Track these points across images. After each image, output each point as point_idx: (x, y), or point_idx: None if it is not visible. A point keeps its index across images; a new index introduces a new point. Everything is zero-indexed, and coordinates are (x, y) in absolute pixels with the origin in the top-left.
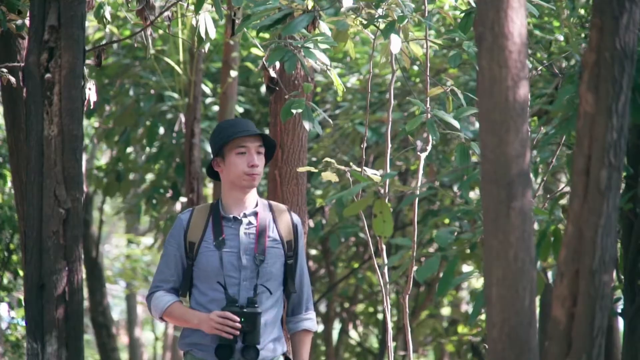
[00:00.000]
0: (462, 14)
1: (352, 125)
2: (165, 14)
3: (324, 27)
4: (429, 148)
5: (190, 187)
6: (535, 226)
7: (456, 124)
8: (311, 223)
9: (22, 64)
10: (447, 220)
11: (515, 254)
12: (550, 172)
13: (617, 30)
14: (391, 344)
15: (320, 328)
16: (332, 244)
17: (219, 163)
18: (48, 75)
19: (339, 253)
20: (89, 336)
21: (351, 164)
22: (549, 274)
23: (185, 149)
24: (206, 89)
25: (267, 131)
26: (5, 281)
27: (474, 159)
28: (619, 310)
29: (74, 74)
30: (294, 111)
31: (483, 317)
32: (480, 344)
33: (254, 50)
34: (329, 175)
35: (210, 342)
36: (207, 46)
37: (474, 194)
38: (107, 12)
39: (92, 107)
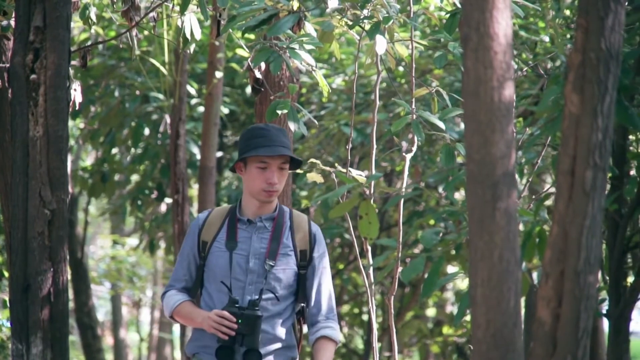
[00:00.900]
0: (448, 15)
1: (338, 126)
2: (151, 14)
3: (309, 27)
4: (414, 149)
5: (176, 188)
6: (521, 227)
7: (441, 124)
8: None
9: (7, 65)
10: (432, 221)
11: (500, 255)
12: (536, 172)
13: (603, 31)
14: (376, 345)
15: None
16: None
17: (241, 167)
18: (33, 76)
19: None
20: (74, 337)
21: (336, 164)
22: (534, 274)
23: (171, 150)
24: (191, 89)
25: None
26: None
27: (459, 159)
28: (604, 311)
29: (59, 74)
30: (279, 112)
31: (468, 318)
32: (465, 345)
33: (240, 51)
34: (314, 176)
35: (216, 345)
36: (192, 47)
37: (459, 195)
38: (93, 13)
39: (77, 108)
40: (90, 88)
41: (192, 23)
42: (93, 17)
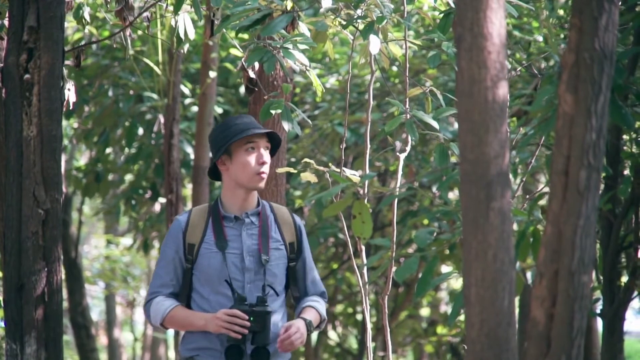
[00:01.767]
0: (441, 15)
1: (331, 126)
2: (144, 14)
3: (303, 27)
4: (408, 149)
5: (169, 188)
6: (515, 226)
7: (435, 124)
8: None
9: (1, 65)
10: (426, 221)
11: (495, 255)
12: (530, 172)
13: (596, 30)
14: (370, 345)
15: None
16: (311, 244)
17: (224, 161)
18: (27, 75)
19: (318, 254)
20: (68, 337)
21: (330, 164)
22: (528, 274)
23: (165, 150)
24: (185, 89)
25: None
26: None
27: (453, 159)
28: (598, 311)
29: (53, 74)
30: (273, 112)
31: (462, 317)
32: (459, 345)
33: (233, 51)
34: (308, 176)
35: (220, 346)
36: (186, 47)
37: (453, 195)
38: (86, 12)
39: (71, 107)
40: (84, 88)
41: (185, 23)
42: (87, 17)
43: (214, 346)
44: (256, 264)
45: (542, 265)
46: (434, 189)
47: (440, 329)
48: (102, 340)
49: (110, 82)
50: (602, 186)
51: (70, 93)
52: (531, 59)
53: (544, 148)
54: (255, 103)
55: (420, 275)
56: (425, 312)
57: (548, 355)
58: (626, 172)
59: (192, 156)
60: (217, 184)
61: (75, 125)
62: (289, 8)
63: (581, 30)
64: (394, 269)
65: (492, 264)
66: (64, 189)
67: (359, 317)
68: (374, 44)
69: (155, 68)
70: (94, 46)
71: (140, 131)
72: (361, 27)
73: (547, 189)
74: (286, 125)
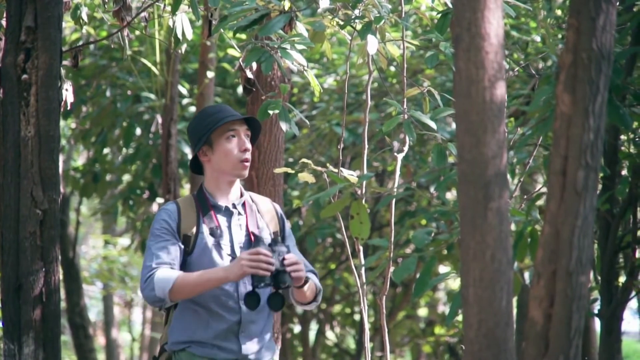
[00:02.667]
0: (439, 15)
1: (329, 126)
2: (142, 14)
3: (300, 27)
4: (405, 149)
5: (167, 188)
6: (512, 227)
7: (433, 124)
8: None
9: None
10: (424, 221)
11: (492, 255)
12: (527, 172)
13: (594, 31)
14: (368, 345)
15: (297, 329)
16: (309, 245)
17: (205, 152)
18: (25, 76)
19: (315, 254)
20: (66, 337)
21: (328, 164)
22: (526, 274)
23: (162, 150)
24: (183, 89)
25: None
26: None
27: (451, 159)
28: (596, 311)
29: (50, 74)
30: (270, 112)
31: (460, 317)
32: (457, 345)
33: (231, 51)
34: (305, 176)
35: (214, 338)
36: (183, 47)
37: (450, 195)
38: (84, 13)
39: (69, 108)
40: (82, 88)
41: (183, 23)
42: (84, 17)
43: (206, 338)
44: None
45: (539, 266)
46: (432, 189)
47: (438, 329)
48: (100, 340)
49: (107, 83)
50: (599, 186)
51: (67, 93)
52: (529, 59)
53: (541, 148)
54: (253, 103)
55: (418, 275)
56: (423, 312)
57: (546, 356)
58: (624, 172)
59: (189, 156)
60: None
61: (73, 125)
62: (286, 8)
63: (579, 30)
64: (391, 269)
65: (490, 264)
66: (61, 189)
67: (356, 317)
68: (372, 44)
69: (153, 68)
70: (91, 46)
71: (138, 131)
72: (359, 27)
73: (544, 189)
74: (284, 126)
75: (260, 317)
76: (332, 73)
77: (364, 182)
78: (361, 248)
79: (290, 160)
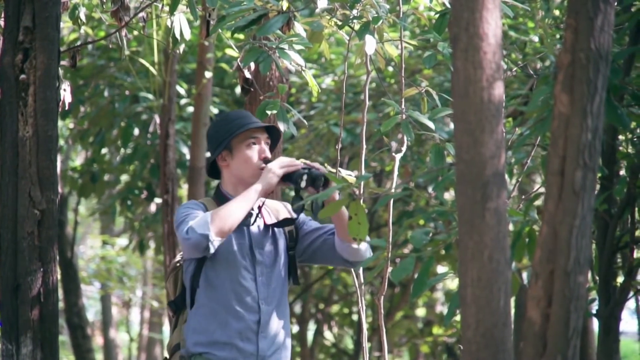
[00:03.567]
0: (437, 15)
1: (327, 126)
2: (140, 15)
3: (298, 28)
4: (403, 149)
5: (165, 188)
6: (510, 227)
7: (431, 124)
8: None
9: None
10: (422, 221)
11: (490, 255)
12: (525, 173)
13: (592, 31)
14: (366, 345)
15: (295, 329)
16: None
17: (224, 157)
18: (23, 76)
19: None
20: (63, 337)
21: (326, 165)
22: (524, 274)
23: (160, 150)
24: (181, 90)
25: None
26: None
27: (449, 159)
28: (594, 311)
29: (48, 74)
30: (268, 112)
31: (458, 318)
32: (455, 345)
33: (229, 51)
34: None
35: (234, 338)
36: (181, 47)
37: (448, 195)
38: (82, 13)
39: (67, 108)
40: (80, 88)
41: (181, 23)
42: (82, 17)
43: (226, 338)
44: (267, 257)
45: (537, 266)
46: (430, 189)
47: (436, 330)
48: (98, 340)
49: (106, 83)
50: (597, 186)
51: (66, 93)
52: (527, 60)
53: (539, 148)
54: (251, 103)
55: (416, 275)
56: (421, 312)
57: (544, 356)
58: (622, 172)
59: (187, 156)
60: (212, 184)
61: (71, 125)
62: (284, 8)
63: (577, 30)
64: (389, 269)
65: (488, 264)
66: (59, 190)
67: (354, 317)
68: (370, 44)
69: (151, 68)
70: (89, 46)
71: (136, 131)
72: (357, 27)
73: (542, 190)
74: (282, 126)
75: (278, 314)
76: (330, 73)
77: (362, 183)
78: None
79: None
